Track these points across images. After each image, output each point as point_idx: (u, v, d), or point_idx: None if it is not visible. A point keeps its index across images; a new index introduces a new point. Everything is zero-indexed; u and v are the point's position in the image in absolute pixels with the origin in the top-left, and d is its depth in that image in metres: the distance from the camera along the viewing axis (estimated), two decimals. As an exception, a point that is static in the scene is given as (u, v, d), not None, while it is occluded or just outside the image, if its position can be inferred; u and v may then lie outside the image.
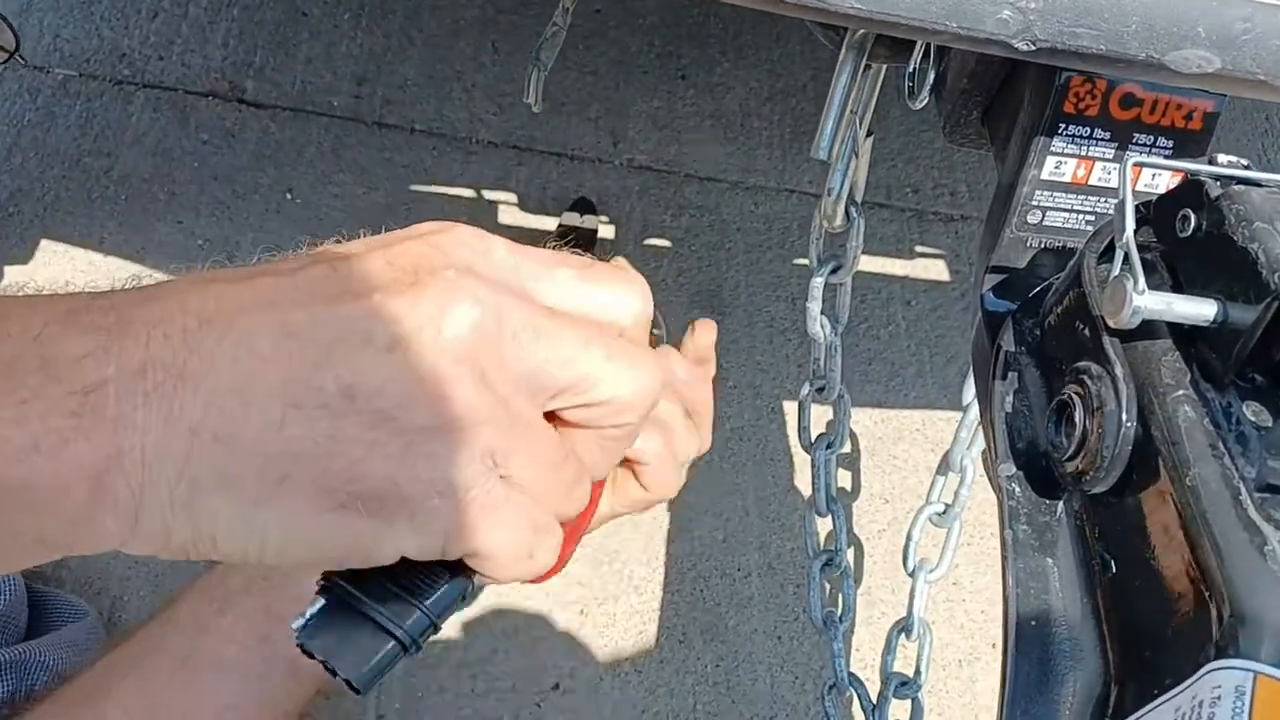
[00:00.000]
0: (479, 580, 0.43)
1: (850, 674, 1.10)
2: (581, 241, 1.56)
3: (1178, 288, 0.62)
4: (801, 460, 1.16)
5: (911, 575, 1.11)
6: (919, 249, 1.71)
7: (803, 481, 1.25)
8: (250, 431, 0.35)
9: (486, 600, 1.24)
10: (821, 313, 1.04)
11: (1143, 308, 0.57)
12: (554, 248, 0.46)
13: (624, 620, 1.28)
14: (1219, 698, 0.48)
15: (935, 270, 1.66)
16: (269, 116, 1.57)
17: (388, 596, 0.41)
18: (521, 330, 0.39)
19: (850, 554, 1.41)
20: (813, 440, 1.10)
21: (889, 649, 1.11)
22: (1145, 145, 0.75)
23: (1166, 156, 0.76)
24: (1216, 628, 0.50)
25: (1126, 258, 0.58)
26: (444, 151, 1.59)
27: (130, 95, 1.57)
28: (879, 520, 1.42)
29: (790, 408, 1.12)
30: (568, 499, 0.42)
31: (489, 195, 1.57)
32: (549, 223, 1.57)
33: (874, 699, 1.12)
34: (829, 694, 1.10)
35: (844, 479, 1.45)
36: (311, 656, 0.41)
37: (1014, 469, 0.66)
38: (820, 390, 1.08)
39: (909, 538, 1.11)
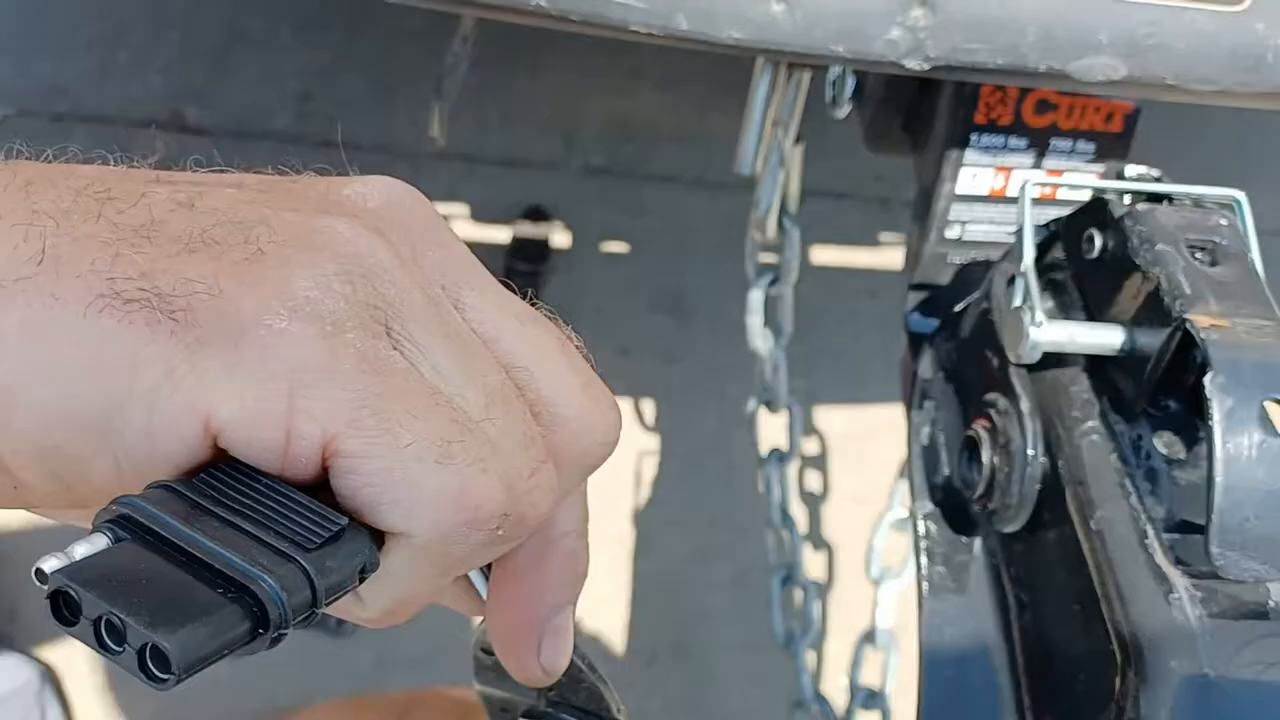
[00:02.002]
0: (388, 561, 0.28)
1: (815, 691, 1.08)
2: (535, 252, 1.54)
3: (1090, 310, 0.59)
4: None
5: (876, 583, 1.09)
6: (884, 238, 1.68)
7: (767, 489, 1.22)
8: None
9: (445, 631, 1.22)
10: (764, 325, 1.02)
11: (1041, 342, 0.54)
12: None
13: (589, 642, 1.26)
14: (1120, 766, 0.45)
15: (901, 260, 1.63)
16: (211, 143, 1.55)
17: (235, 539, 0.26)
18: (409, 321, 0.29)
19: (822, 559, 1.39)
20: (764, 455, 1.07)
21: (855, 662, 1.08)
22: (1064, 151, 0.72)
23: (1088, 161, 0.73)
24: (1119, 685, 0.48)
25: (1025, 288, 0.55)
26: (391, 166, 1.56)
27: (70, 130, 1.54)
28: (851, 523, 1.40)
29: (766, 416, 1.09)
30: (524, 458, 0.30)
31: (440, 208, 1.54)
32: (503, 234, 1.55)
33: (840, 714, 1.10)
34: (796, 711, 1.08)
35: (813, 481, 1.43)
36: (70, 622, 0.24)
37: (930, 506, 0.63)
38: (768, 404, 1.06)
39: (871, 546, 1.09)
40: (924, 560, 0.61)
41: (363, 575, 0.27)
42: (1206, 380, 0.48)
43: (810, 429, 1.46)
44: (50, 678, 1.11)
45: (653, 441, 1.43)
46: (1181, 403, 0.55)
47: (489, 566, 0.36)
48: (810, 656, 1.10)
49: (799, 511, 1.35)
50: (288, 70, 1.64)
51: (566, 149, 1.66)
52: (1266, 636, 0.48)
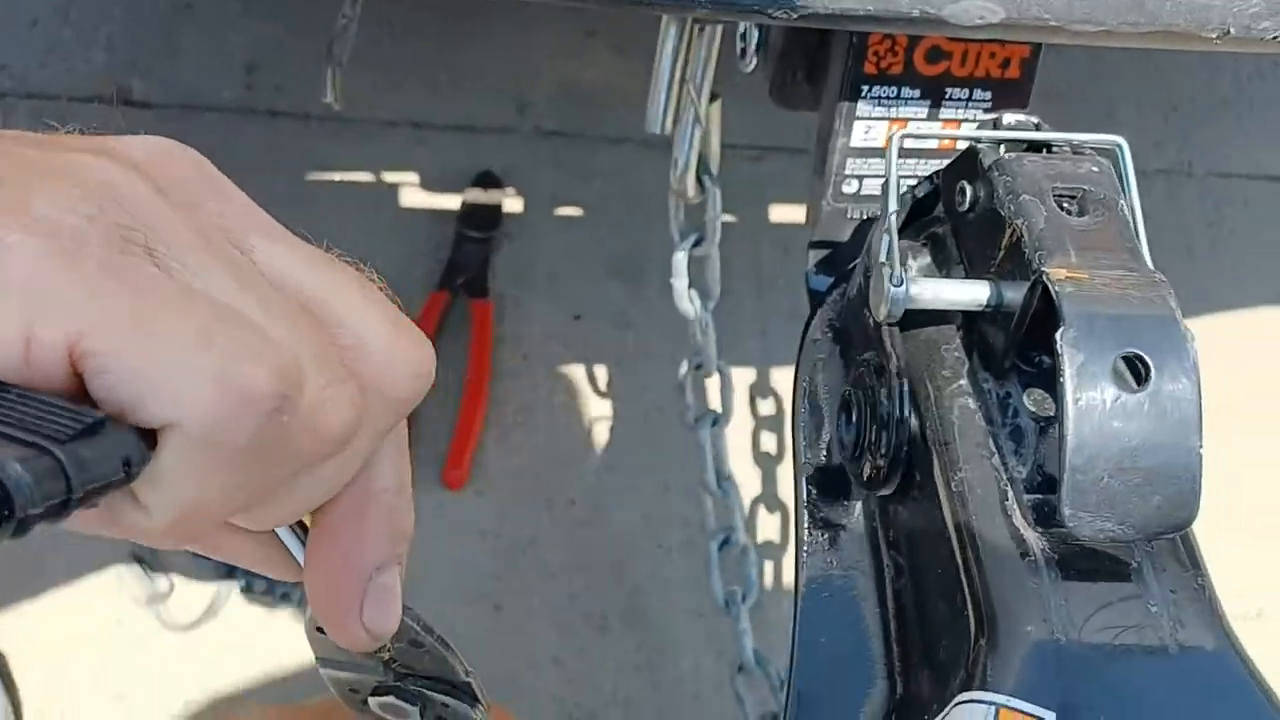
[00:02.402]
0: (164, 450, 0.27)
1: (756, 653, 1.07)
2: (486, 219, 1.52)
3: (966, 266, 0.57)
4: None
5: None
6: (844, 195, 1.65)
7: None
8: None
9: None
10: (690, 287, 1.00)
11: (900, 298, 0.52)
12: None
13: (541, 612, 1.25)
14: (961, 736, 0.44)
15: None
16: (156, 116, 1.53)
17: None
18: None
19: (775, 521, 1.37)
20: (696, 418, 1.06)
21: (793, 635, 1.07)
22: (960, 100, 0.70)
23: (986, 109, 0.70)
24: (970, 652, 0.47)
25: (888, 245, 0.54)
26: (340, 135, 1.54)
27: (12, 107, 1.52)
28: (807, 483, 1.38)
29: (711, 382, 1.07)
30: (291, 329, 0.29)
31: (388, 178, 1.53)
32: (452, 201, 1.52)
33: (784, 676, 1.09)
34: (738, 675, 1.08)
35: (768, 443, 1.41)
36: None
37: (811, 469, 0.62)
38: (699, 368, 1.04)
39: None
40: (805, 523, 0.60)
41: (129, 470, 0.27)
42: (1058, 335, 0.46)
43: (765, 390, 1.45)
44: (-7, 661, 1.11)
45: (605, 407, 1.41)
46: (1052, 359, 0.53)
47: (304, 530, 0.35)
48: (754, 619, 1.09)
49: (752, 474, 1.34)
50: (234, 42, 1.62)
51: (518, 113, 1.63)
52: (1124, 599, 0.47)
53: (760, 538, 1.35)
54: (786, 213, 1.62)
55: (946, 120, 0.70)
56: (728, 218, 1.68)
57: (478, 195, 1.53)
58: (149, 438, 0.27)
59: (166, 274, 0.27)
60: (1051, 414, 0.52)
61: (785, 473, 1.38)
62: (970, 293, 0.53)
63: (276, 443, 0.28)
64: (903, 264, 0.54)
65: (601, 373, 1.44)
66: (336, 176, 1.53)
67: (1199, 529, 0.48)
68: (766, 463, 1.38)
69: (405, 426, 0.35)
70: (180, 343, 0.26)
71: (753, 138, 1.67)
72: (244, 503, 0.30)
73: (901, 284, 0.52)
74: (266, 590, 1.18)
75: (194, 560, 1.19)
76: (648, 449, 1.38)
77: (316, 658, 0.41)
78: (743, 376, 1.43)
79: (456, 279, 1.45)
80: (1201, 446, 0.45)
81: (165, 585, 1.19)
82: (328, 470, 0.31)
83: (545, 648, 1.23)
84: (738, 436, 1.29)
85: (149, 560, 1.20)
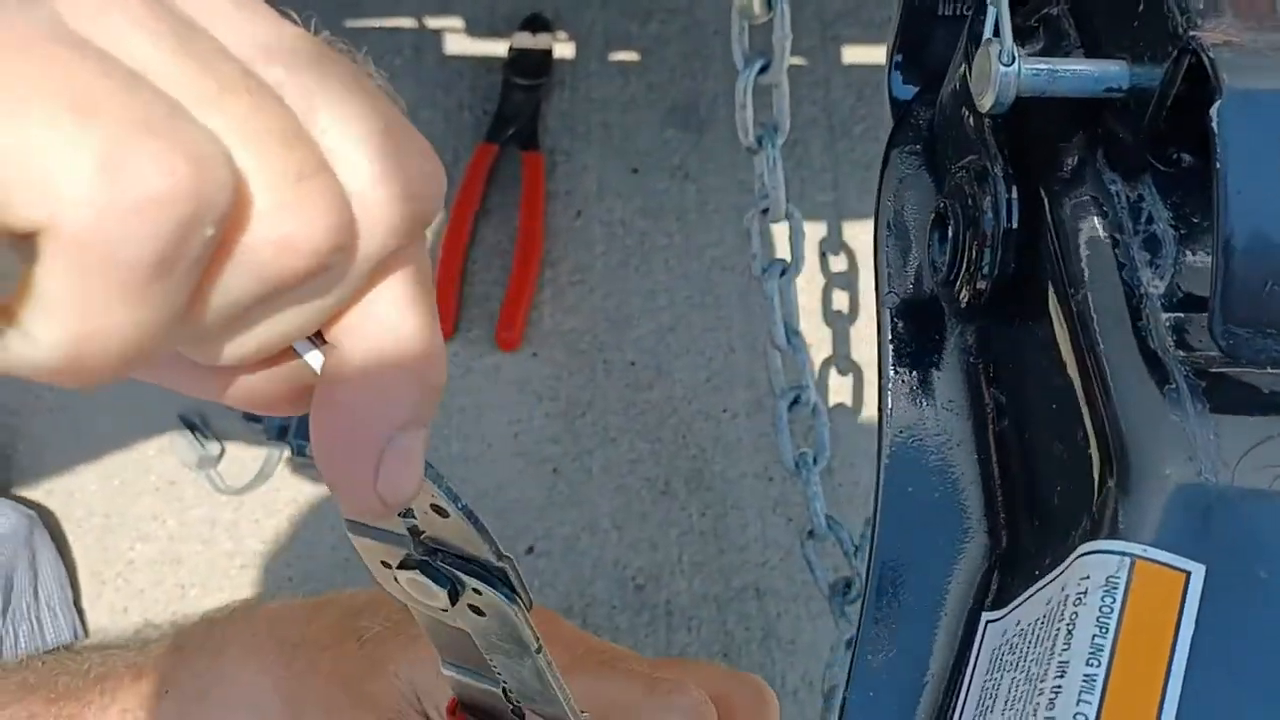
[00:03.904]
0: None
1: (829, 517, 1.01)
2: (536, 64, 1.42)
3: (1089, 52, 0.48)
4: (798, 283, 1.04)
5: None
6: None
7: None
8: None
9: (453, 464, 1.17)
10: (756, 120, 0.91)
11: (1013, 81, 0.43)
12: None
13: (600, 475, 1.20)
14: (1085, 592, 0.36)
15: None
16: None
17: None
18: None
19: (848, 383, 1.30)
20: (763, 268, 0.98)
21: (877, 486, 1.01)
22: None
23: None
24: (1096, 495, 0.39)
25: (996, 18, 0.44)
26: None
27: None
28: (880, 342, 1.30)
29: (780, 230, 0.99)
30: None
31: (431, 23, 1.43)
32: (499, 46, 1.43)
33: (856, 541, 1.03)
34: (808, 541, 1.02)
35: (840, 300, 1.33)
36: None
37: (897, 300, 0.54)
38: (765, 212, 0.95)
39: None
40: (890, 360, 0.52)
41: None
42: (1213, 109, 0.37)
43: (837, 246, 1.36)
44: (45, 521, 1.09)
45: (664, 265, 1.34)
46: (1197, 155, 0.44)
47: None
48: (825, 483, 1.02)
49: (823, 334, 1.26)
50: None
51: (569, -50, 1.52)
52: (1285, 434, 0.39)
53: (831, 401, 1.28)
54: (860, 53, 1.50)
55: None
56: (795, 60, 1.56)
57: (526, 40, 1.43)
58: (26, 246, 0.20)
59: (53, 23, 0.20)
60: (1194, 220, 0.43)
61: (859, 333, 1.29)
62: (1097, 72, 0.43)
63: (203, 259, 0.21)
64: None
65: (661, 229, 1.36)
66: (375, 23, 1.44)
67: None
68: (839, 322, 1.30)
69: (426, 261, 0.28)
70: (49, 112, 0.19)
71: (823, -29, 1.55)
72: (175, 336, 0.23)
73: (1013, 62, 0.43)
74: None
75: (244, 424, 1.16)
76: (711, 308, 1.31)
77: (345, 522, 0.35)
78: (813, 232, 1.34)
79: (505, 130, 1.37)
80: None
81: (216, 450, 1.16)
82: (302, 299, 0.24)
83: (605, 512, 1.18)
84: (808, 295, 1.21)
85: (200, 426, 1.17)
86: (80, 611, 1.06)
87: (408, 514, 0.33)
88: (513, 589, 0.34)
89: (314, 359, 0.27)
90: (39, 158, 0.19)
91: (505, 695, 0.41)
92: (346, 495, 0.28)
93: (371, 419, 0.27)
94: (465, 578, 0.34)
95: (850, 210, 1.41)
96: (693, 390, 1.26)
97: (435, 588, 0.34)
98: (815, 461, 1.01)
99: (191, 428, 1.17)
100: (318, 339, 0.27)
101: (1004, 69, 0.43)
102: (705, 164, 1.41)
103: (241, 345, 0.25)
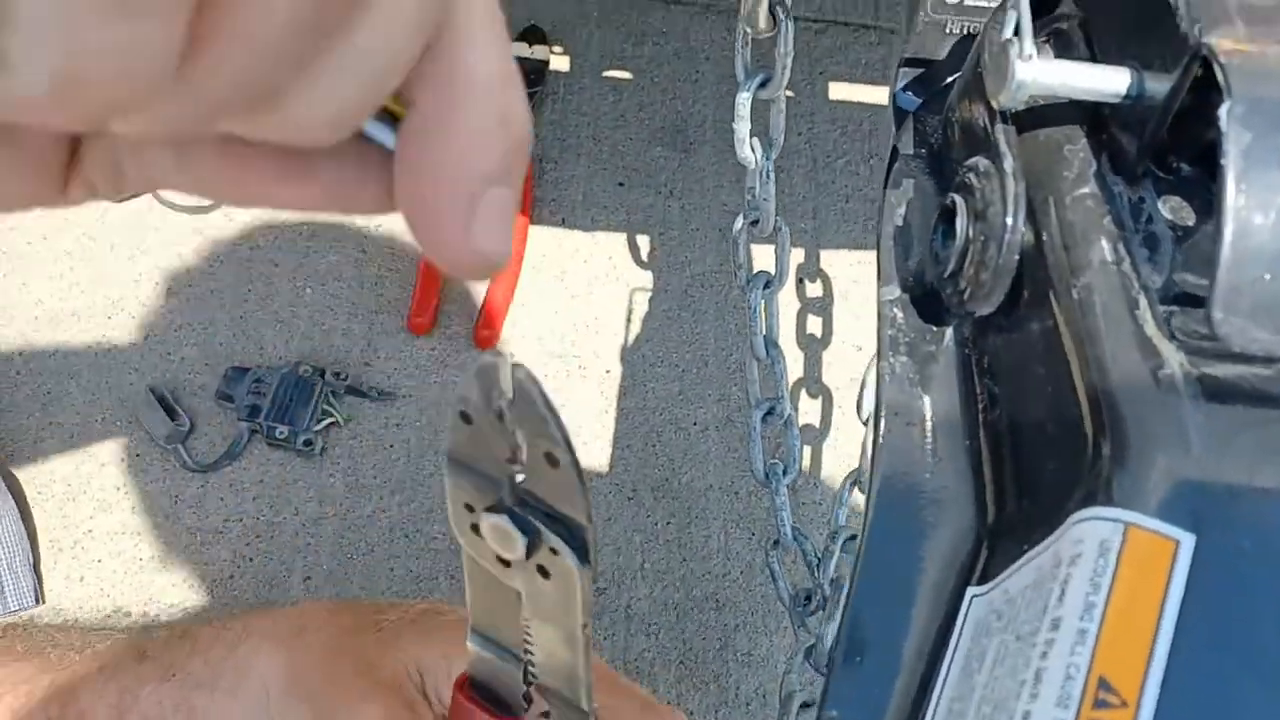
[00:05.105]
0: None
1: (795, 529, 1.02)
2: (531, 74, 1.44)
3: (1097, 60, 0.50)
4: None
5: (865, 424, 1.02)
6: (907, 75, 1.56)
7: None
8: None
9: (420, 457, 1.17)
10: (752, 134, 0.93)
11: (1029, 80, 0.45)
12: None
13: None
14: (1079, 555, 0.38)
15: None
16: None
17: None
18: None
19: (818, 405, 1.32)
20: (748, 279, 1.00)
21: (839, 502, 1.02)
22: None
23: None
24: (1090, 468, 0.41)
25: (1017, 18, 0.47)
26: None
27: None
28: (851, 369, 1.33)
29: (760, 251, 1.01)
30: None
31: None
32: (496, 55, 1.45)
33: (819, 555, 1.04)
34: (773, 551, 1.03)
35: (814, 325, 1.35)
36: None
37: (897, 292, 0.55)
38: (755, 224, 0.97)
39: (863, 384, 1.02)
40: (888, 351, 0.54)
41: None
42: (1222, 110, 0.40)
43: (814, 272, 1.38)
44: (10, 486, 1.07)
45: (645, 278, 1.35)
46: (1195, 165, 0.47)
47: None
48: (792, 496, 1.04)
49: (796, 355, 1.29)
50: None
51: (570, -33, 1.54)
52: (1273, 423, 0.41)
53: (800, 421, 1.30)
54: (845, 90, 1.54)
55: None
56: (785, 92, 1.59)
57: (523, 50, 1.45)
58: None
59: None
60: (1190, 223, 0.46)
61: (830, 357, 1.32)
62: (1106, 79, 0.46)
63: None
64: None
65: (643, 242, 1.38)
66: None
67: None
68: (811, 345, 1.32)
69: (499, 8, 0.26)
70: None
71: (814, 8, 1.58)
72: (208, 87, 0.20)
73: (1031, 58, 0.45)
74: (287, 438, 1.14)
75: (216, 402, 1.15)
76: (687, 322, 1.33)
77: (448, 454, 0.35)
78: (791, 258, 1.36)
79: (497, 134, 1.38)
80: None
81: (185, 425, 1.15)
82: (358, 40, 0.21)
83: (572, 515, 1.19)
84: (782, 319, 1.23)
85: (170, 400, 1.16)
86: (39, 576, 1.05)
87: (514, 459, 0.34)
88: (586, 558, 0.35)
89: (388, 138, 0.25)
90: None
91: (525, 674, 0.41)
92: (442, 247, 0.26)
93: (460, 170, 0.25)
94: (547, 533, 0.34)
95: (828, 239, 1.43)
96: (665, 401, 1.27)
97: (517, 534, 0.34)
98: (785, 473, 1.02)
99: (161, 401, 1.16)
100: (391, 121, 0.25)
101: (1022, 66, 0.45)
102: (690, 183, 1.43)
103: (310, 106, 0.22)
